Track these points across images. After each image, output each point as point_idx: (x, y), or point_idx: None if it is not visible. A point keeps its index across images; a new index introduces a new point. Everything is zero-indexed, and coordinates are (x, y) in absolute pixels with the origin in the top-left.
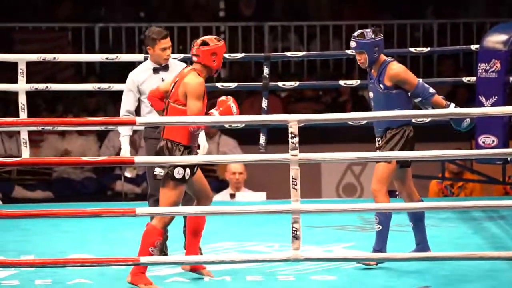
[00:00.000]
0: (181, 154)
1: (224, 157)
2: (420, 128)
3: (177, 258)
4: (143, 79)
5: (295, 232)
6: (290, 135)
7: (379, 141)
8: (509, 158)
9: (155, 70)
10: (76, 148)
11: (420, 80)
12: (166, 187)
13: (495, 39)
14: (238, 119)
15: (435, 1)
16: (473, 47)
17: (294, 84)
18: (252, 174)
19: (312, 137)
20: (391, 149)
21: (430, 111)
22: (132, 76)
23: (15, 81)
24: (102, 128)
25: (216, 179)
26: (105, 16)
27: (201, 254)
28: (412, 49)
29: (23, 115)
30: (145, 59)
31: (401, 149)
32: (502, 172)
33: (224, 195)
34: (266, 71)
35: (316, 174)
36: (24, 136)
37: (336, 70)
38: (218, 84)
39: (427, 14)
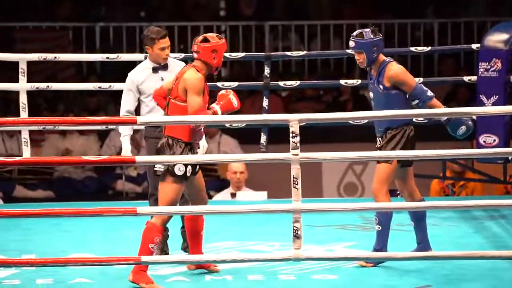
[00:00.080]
0: (182, 151)
1: (225, 156)
2: (421, 128)
3: (178, 257)
4: (142, 78)
5: (296, 232)
6: (291, 135)
7: (379, 141)
8: (510, 157)
9: (154, 70)
10: (77, 147)
11: (420, 81)
12: (166, 183)
13: (496, 38)
14: (239, 119)
15: (436, 0)
16: (474, 46)
17: (294, 83)
18: (253, 173)
19: (313, 136)
20: (392, 149)
21: (430, 110)
22: (132, 76)
23: (16, 80)
24: (103, 127)
25: (217, 178)
26: (106, 16)
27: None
28: (412, 49)
29: (24, 114)
30: (146, 58)
31: (402, 148)
32: (503, 171)
33: (225, 194)
34: (267, 70)
35: (317, 174)
36: (25, 135)
37: (337, 69)
38: (219, 84)
39: (427, 14)
